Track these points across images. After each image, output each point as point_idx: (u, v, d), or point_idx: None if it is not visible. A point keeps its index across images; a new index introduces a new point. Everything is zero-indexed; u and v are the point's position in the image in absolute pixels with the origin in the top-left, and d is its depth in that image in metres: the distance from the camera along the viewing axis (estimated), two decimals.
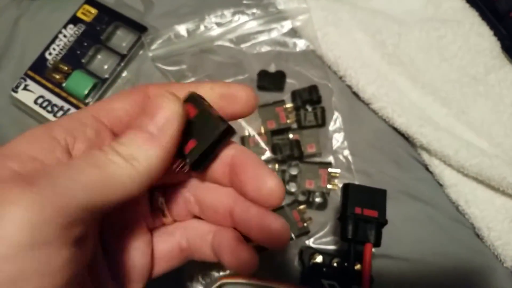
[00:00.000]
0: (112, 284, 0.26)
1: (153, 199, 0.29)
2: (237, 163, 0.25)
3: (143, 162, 0.21)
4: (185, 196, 0.29)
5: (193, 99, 0.25)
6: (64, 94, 0.50)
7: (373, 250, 0.41)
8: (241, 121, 0.49)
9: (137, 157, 0.21)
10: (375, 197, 0.39)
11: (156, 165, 0.22)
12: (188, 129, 0.24)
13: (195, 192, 0.28)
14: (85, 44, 0.52)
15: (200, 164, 0.25)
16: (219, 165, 0.26)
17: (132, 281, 0.27)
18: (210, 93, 0.26)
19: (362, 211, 0.38)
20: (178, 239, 0.29)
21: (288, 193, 0.47)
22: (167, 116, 0.22)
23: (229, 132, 0.24)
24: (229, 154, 0.26)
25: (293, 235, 0.45)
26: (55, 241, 0.17)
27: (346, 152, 0.49)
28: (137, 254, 0.27)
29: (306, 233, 0.46)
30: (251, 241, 0.26)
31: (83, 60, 0.51)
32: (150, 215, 0.29)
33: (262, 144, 0.48)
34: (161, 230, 0.29)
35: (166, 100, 0.22)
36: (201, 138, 0.24)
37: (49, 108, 0.50)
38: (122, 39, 0.53)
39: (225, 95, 0.26)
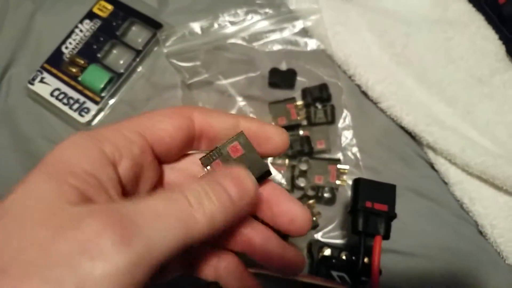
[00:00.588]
0: None
1: None
2: (272, 198, 0.28)
3: (220, 223, 0.23)
4: None
5: (241, 138, 0.27)
6: (80, 87, 0.51)
7: None
8: None
9: (217, 218, 0.22)
10: (385, 192, 0.40)
11: (227, 225, 0.23)
12: (231, 165, 0.27)
13: None
14: (101, 39, 0.53)
15: None
16: None
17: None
18: (247, 131, 0.27)
19: (372, 205, 0.40)
20: None
21: (298, 187, 0.49)
22: (249, 193, 0.24)
23: (268, 174, 0.28)
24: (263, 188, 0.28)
25: None
26: None
27: (355, 149, 0.50)
28: None
29: (315, 227, 0.47)
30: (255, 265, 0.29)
31: (99, 55, 0.53)
32: None
33: None
34: None
35: (250, 179, 0.25)
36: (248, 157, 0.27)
37: (65, 101, 0.51)
38: (137, 35, 0.54)
39: (260, 135, 0.28)
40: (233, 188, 0.24)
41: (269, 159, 0.48)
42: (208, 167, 0.27)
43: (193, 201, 0.22)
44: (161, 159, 0.28)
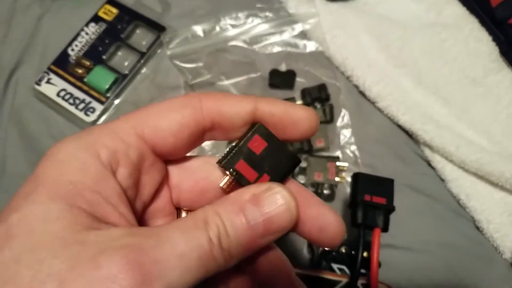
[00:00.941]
0: None
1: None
2: (299, 200, 0.24)
3: (234, 261, 0.21)
4: None
5: (260, 129, 0.24)
6: (85, 88, 0.53)
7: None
8: None
9: (233, 256, 0.21)
10: (383, 186, 0.42)
11: (242, 259, 0.21)
12: (257, 163, 0.24)
13: None
14: (106, 41, 0.55)
15: None
16: None
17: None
18: (269, 116, 0.24)
19: (371, 198, 0.41)
20: None
21: None
22: (282, 228, 0.21)
23: (298, 162, 0.25)
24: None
25: None
26: None
27: (353, 147, 0.52)
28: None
29: None
30: None
31: (104, 57, 0.54)
32: None
33: None
34: None
35: (287, 208, 0.21)
36: (274, 172, 0.24)
37: (71, 101, 0.52)
38: (141, 37, 0.56)
39: (285, 121, 0.24)
40: (259, 222, 0.21)
41: None
42: (235, 173, 0.24)
43: (213, 236, 0.20)
44: (166, 158, 0.25)
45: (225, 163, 0.24)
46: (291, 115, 0.24)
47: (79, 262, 0.17)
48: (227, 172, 0.24)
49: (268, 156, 0.24)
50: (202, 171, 0.26)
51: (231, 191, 0.24)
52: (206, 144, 0.52)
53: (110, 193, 0.20)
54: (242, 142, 0.24)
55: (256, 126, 0.24)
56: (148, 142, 0.23)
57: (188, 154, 0.26)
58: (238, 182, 0.24)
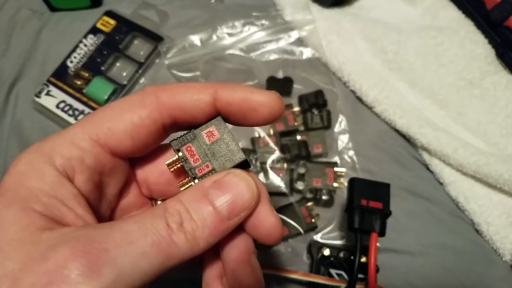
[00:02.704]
0: None
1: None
2: None
3: (203, 245, 0.21)
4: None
5: (218, 122, 0.24)
6: (84, 99, 0.53)
7: (378, 244, 0.43)
8: None
9: (200, 240, 0.21)
10: (379, 190, 0.42)
11: (212, 245, 0.21)
12: (205, 151, 0.24)
13: None
14: (105, 52, 0.55)
15: None
16: None
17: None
18: (228, 104, 0.24)
19: (367, 203, 0.41)
20: None
21: (296, 190, 0.50)
22: (245, 207, 0.22)
23: (245, 165, 0.25)
24: None
25: (301, 230, 0.48)
26: None
27: (351, 152, 0.52)
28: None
29: (313, 228, 0.48)
30: None
31: (102, 68, 0.55)
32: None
33: (272, 145, 0.51)
34: None
35: (247, 185, 0.22)
36: (217, 164, 0.24)
37: (70, 112, 0.53)
38: (139, 48, 0.57)
39: (244, 107, 0.24)
40: (223, 204, 0.21)
41: (268, 163, 0.50)
42: (180, 154, 0.24)
43: (173, 223, 0.20)
44: (128, 157, 0.25)
45: (174, 143, 0.24)
46: (249, 102, 0.23)
47: (30, 260, 0.18)
48: (177, 155, 0.24)
49: (217, 148, 0.24)
50: (165, 162, 0.26)
51: (176, 173, 0.25)
52: None
53: (66, 196, 0.21)
54: (198, 128, 0.24)
55: (216, 117, 0.24)
56: (105, 145, 0.23)
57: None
58: (182, 162, 0.24)
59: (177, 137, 0.25)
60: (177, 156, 0.24)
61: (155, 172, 0.27)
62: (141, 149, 0.24)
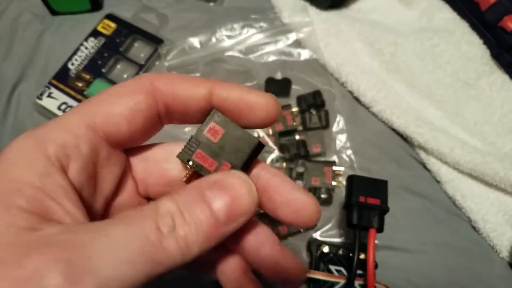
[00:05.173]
0: None
1: None
2: (272, 186, 0.24)
3: (196, 251, 0.19)
4: None
5: (215, 116, 0.23)
6: None
7: (377, 242, 0.44)
8: None
9: (193, 246, 0.19)
10: (377, 187, 0.43)
11: (205, 251, 0.20)
12: (216, 150, 0.23)
13: None
14: (106, 55, 0.56)
15: None
16: None
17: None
18: (225, 100, 0.23)
19: (365, 200, 0.42)
20: None
21: None
22: (244, 211, 0.20)
23: (260, 147, 0.24)
24: (258, 175, 0.24)
25: (301, 228, 0.48)
26: None
27: (349, 152, 0.53)
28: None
29: (313, 226, 0.49)
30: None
31: (103, 70, 0.56)
32: None
33: (271, 144, 0.51)
34: None
35: (247, 188, 0.21)
36: (234, 158, 0.23)
37: None
38: (140, 50, 0.58)
39: (240, 106, 0.23)
40: (221, 208, 0.20)
41: (267, 162, 0.50)
42: (190, 163, 0.23)
43: (163, 225, 0.18)
44: (123, 147, 0.24)
45: (181, 155, 0.23)
46: (246, 101, 0.22)
47: (5, 264, 0.16)
48: (188, 165, 0.23)
49: (226, 143, 0.23)
50: (167, 162, 0.25)
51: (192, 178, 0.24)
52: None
53: (54, 189, 0.19)
54: (198, 131, 0.23)
55: (211, 112, 0.23)
56: (101, 132, 0.22)
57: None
58: (198, 173, 0.23)
59: (182, 150, 0.23)
60: (189, 168, 0.23)
61: (156, 172, 0.26)
62: (137, 137, 0.24)
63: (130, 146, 0.24)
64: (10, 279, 0.15)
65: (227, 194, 0.20)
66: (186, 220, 0.19)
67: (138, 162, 0.26)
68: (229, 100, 0.23)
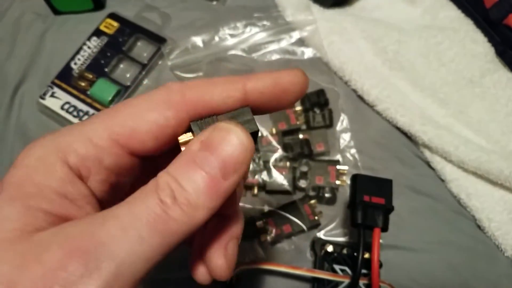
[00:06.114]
0: None
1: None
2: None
3: (203, 213, 0.19)
4: None
5: (246, 112, 0.22)
6: (89, 100, 0.54)
7: (381, 241, 0.44)
8: None
9: (198, 208, 0.19)
10: (381, 186, 0.42)
11: (213, 212, 0.20)
12: None
13: None
14: (108, 54, 0.56)
15: None
16: None
17: None
18: (259, 94, 0.22)
19: (370, 199, 0.42)
20: None
21: (299, 188, 0.50)
22: (239, 161, 0.20)
23: (257, 133, 0.23)
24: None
25: (305, 227, 0.48)
26: None
27: (353, 151, 0.52)
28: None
29: (317, 225, 0.49)
30: None
31: (106, 69, 0.55)
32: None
33: (274, 143, 0.51)
34: None
35: (236, 138, 0.20)
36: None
37: (74, 113, 0.53)
38: (143, 49, 0.57)
39: (275, 92, 0.22)
40: (214, 166, 0.19)
41: (271, 161, 0.50)
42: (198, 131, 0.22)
43: (166, 197, 0.18)
44: (148, 156, 0.23)
45: (193, 123, 0.22)
46: (280, 85, 0.22)
47: (25, 261, 0.16)
48: (193, 133, 0.22)
49: None
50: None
51: None
52: None
53: (76, 196, 0.20)
54: (225, 115, 0.22)
55: (244, 108, 0.22)
56: (125, 147, 0.21)
57: None
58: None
59: (199, 120, 0.22)
60: (191, 136, 0.22)
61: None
62: (164, 149, 0.23)
63: (153, 155, 0.23)
64: (33, 276, 0.16)
65: (217, 151, 0.19)
66: (183, 187, 0.19)
67: (159, 163, 0.25)
68: (265, 92, 0.22)
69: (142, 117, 0.21)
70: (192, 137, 0.22)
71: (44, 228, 0.18)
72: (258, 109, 0.23)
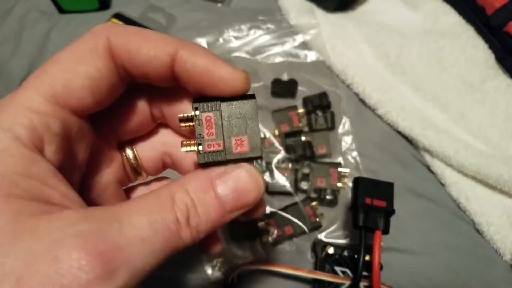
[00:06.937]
0: None
1: (125, 157, 0.27)
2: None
3: (203, 236, 0.21)
4: (157, 149, 0.28)
5: (250, 103, 0.22)
6: None
7: (382, 243, 0.44)
8: None
9: (202, 233, 0.21)
10: (383, 189, 0.43)
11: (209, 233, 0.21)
12: (223, 127, 0.22)
13: (166, 144, 0.28)
14: None
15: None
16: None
17: None
18: (191, 68, 0.21)
19: (371, 201, 0.42)
20: None
21: (301, 190, 0.51)
22: (249, 204, 0.22)
23: (259, 158, 0.23)
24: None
25: (306, 229, 0.48)
26: None
27: (355, 153, 0.53)
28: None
29: (318, 227, 0.49)
30: None
31: None
32: (123, 174, 0.27)
33: (277, 145, 0.52)
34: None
35: (255, 184, 0.21)
36: (229, 148, 0.22)
37: None
38: None
39: (205, 76, 0.21)
40: (229, 199, 0.21)
41: (273, 163, 0.51)
42: (197, 112, 0.22)
43: (180, 216, 0.20)
44: (89, 113, 0.22)
45: (196, 99, 0.22)
46: (210, 75, 0.21)
47: (35, 256, 0.16)
48: (193, 112, 0.22)
49: (237, 128, 0.22)
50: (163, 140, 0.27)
51: (186, 132, 0.25)
52: None
53: (44, 175, 0.18)
54: (227, 101, 0.22)
55: (252, 97, 0.23)
56: (65, 107, 0.20)
57: None
58: (195, 124, 0.22)
59: (200, 97, 0.22)
60: (192, 114, 0.22)
61: (150, 152, 0.27)
62: (104, 103, 0.22)
63: (95, 111, 0.22)
64: (47, 273, 0.15)
65: (235, 187, 0.21)
66: (197, 212, 0.20)
67: (134, 142, 0.27)
68: (192, 73, 0.21)
69: (72, 72, 0.20)
70: (192, 114, 0.22)
71: (36, 213, 0.17)
72: (184, 83, 0.22)
